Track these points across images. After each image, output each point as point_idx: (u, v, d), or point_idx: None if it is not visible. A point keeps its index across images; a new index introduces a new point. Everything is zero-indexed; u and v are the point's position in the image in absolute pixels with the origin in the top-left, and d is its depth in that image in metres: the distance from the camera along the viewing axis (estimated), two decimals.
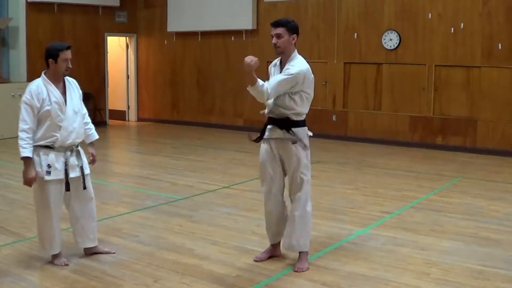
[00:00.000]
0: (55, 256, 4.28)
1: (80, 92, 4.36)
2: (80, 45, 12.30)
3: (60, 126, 4.09)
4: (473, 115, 9.41)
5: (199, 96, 12.68)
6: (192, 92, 12.78)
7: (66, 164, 4.16)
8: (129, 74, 13.73)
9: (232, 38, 11.96)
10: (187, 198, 6.35)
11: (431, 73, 9.71)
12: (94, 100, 12.57)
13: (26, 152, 4.00)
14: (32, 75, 11.39)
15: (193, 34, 12.53)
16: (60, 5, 11.92)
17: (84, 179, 4.27)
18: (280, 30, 4.06)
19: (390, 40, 10.03)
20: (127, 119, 13.86)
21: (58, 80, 4.16)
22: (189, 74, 12.79)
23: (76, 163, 4.23)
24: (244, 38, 11.75)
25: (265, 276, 4.07)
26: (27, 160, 4.03)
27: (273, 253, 4.43)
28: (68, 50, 4.11)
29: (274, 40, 4.08)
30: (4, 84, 10.85)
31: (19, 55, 11.35)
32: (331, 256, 4.48)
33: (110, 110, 13.43)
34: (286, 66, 4.09)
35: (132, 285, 3.91)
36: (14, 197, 6.34)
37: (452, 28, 9.42)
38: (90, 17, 12.55)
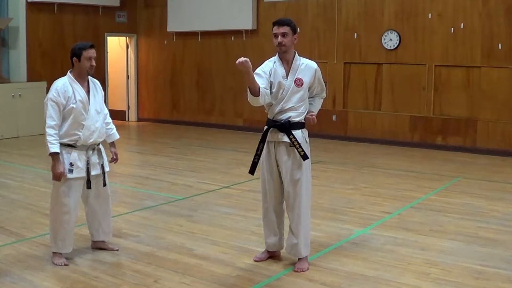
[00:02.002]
0: (56, 255, 4.28)
1: (103, 92, 4.46)
2: None
3: (83, 125, 4.17)
4: (473, 115, 9.41)
5: (199, 96, 12.68)
6: (192, 92, 12.78)
7: (88, 162, 4.24)
8: (129, 74, 13.73)
9: (232, 38, 11.96)
10: (187, 198, 6.35)
11: (431, 73, 9.71)
12: None
13: (55, 147, 4.08)
14: (32, 75, 11.43)
15: (193, 34, 12.53)
16: (60, 5, 11.91)
17: (104, 176, 4.36)
18: (285, 29, 4.08)
19: (390, 40, 10.03)
20: (127, 119, 13.86)
21: (82, 79, 4.24)
22: (189, 74, 12.79)
23: (97, 161, 4.32)
24: (244, 38, 11.75)
25: (265, 276, 4.07)
26: (55, 156, 4.10)
27: (273, 254, 4.43)
28: (91, 49, 4.19)
29: (279, 39, 4.08)
30: (4, 84, 10.85)
31: (19, 55, 11.34)
32: (331, 256, 4.48)
33: (110, 110, 13.11)
34: (305, 73, 4.15)
35: (132, 285, 3.91)
36: (14, 197, 6.35)
37: (452, 28, 9.43)
38: (90, 17, 12.55)
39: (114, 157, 4.54)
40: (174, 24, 12.68)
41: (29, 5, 11.39)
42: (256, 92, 3.91)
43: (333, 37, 10.65)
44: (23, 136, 10.91)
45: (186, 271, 4.16)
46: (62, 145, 4.16)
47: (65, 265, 4.22)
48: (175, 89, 13.06)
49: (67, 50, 13.35)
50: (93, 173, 4.28)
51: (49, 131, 4.08)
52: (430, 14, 9.62)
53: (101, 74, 12.87)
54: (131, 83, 13.72)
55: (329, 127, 10.69)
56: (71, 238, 4.30)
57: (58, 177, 4.13)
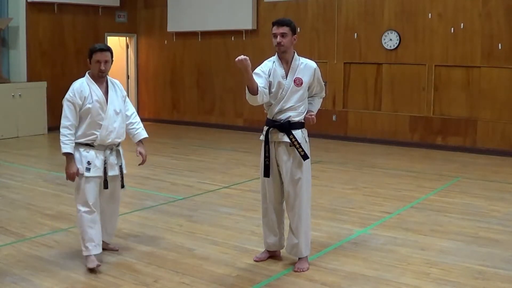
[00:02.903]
0: (89, 258, 4.15)
1: (124, 93, 4.43)
2: (80, 45, 12.28)
3: (101, 125, 4.15)
4: (473, 115, 9.41)
5: (199, 96, 12.68)
6: (192, 92, 12.78)
7: (105, 162, 4.21)
8: (129, 74, 13.73)
9: (232, 38, 11.96)
10: (187, 198, 6.35)
11: (431, 73, 9.71)
12: None
13: (68, 148, 4.09)
14: (32, 75, 11.42)
15: (193, 34, 12.53)
16: (60, 5, 11.91)
17: (122, 178, 4.34)
18: (285, 29, 4.09)
19: (390, 40, 10.03)
20: None
21: (99, 80, 4.22)
22: (189, 74, 12.79)
23: (116, 162, 4.29)
24: (244, 38, 11.75)
25: (265, 276, 4.07)
26: (68, 156, 4.11)
27: (273, 253, 4.43)
28: (101, 52, 4.16)
29: (278, 39, 4.08)
30: (4, 84, 10.85)
31: (19, 55, 11.34)
32: (331, 256, 4.48)
33: None
34: (305, 73, 4.15)
35: (132, 285, 3.91)
36: (14, 197, 6.34)
37: (452, 28, 9.42)
38: (90, 17, 12.55)
39: (138, 155, 4.44)
40: (174, 24, 12.68)
41: (29, 5, 11.38)
42: (254, 90, 3.92)
43: (333, 37, 10.65)
44: (23, 136, 10.91)
45: (186, 271, 4.16)
46: (80, 144, 4.17)
47: (98, 266, 4.12)
48: (175, 89, 13.06)
49: (67, 50, 13.37)
50: (110, 173, 4.24)
51: (63, 131, 4.08)
52: (430, 14, 9.62)
53: None
54: (131, 83, 13.72)
55: (329, 127, 10.69)
56: (100, 238, 4.24)
57: (71, 177, 4.15)
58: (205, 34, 12.37)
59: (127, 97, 4.51)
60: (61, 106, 4.18)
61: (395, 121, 10.15)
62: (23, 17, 11.28)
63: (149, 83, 13.54)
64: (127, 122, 4.43)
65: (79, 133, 4.15)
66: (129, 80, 13.75)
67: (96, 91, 4.17)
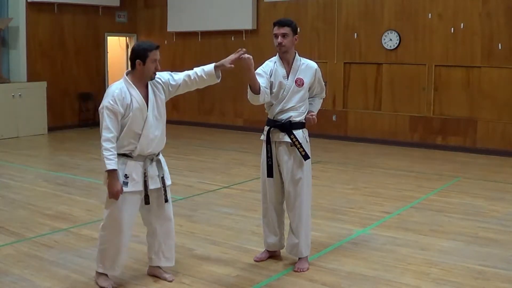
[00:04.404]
0: (102, 276, 3.85)
1: (165, 79, 3.94)
2: (80, 45, 12.30)
3: (140, 134, 3.71)
4: (473, 115, 9.41)
5: (199, 96, 12.67)
6: (192, 92, 12.64)
7: (145, 174, 3.76)
8: None
9: (232, 38, 11.95)
10: (187, 198, 6.35)
11: (431, 73, 9.70)
12: (94, 100, 12.53)
13: (112, 164, 3.56)
14: (32, 75, 11.42)
15: (193, 34, 12.53)
16: (60, 5, 11.90)
17: (165, 191, 3.87)
18: (286, 30, 4.09)
19: (390, 40, 10.03)
20: None
21: (142, 83, 3.77)
22: None
23: (157, 173, 3.85)
24: (244, 38, 11.75)
25: (265, 276, 4.07)
26: (113, 173, 3.59)
27: (273, 253, 4.43)
28: (157, 50, 3.74)
29: (279, 40, 4.09)
30: (4, 84, 10.84)
31: (19, 55, 11.34)
32: (331, 256, 4.48)
33: None
34: (306, 73, 4.16)
35: (132, 285, 3.91)
36: (14, 197, 6.34)
37: (452, 28, 9.42)
38: (90, 17, 12.54)
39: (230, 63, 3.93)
40: (174, 24, 12.68)
41: (29, 5, 11.38)
42: (256, 90, 3.92)
43: (333, 37, 10.65)
44: (23, 136, 10.90)
45: (186, 271, 4.16)
46: (117, 155, 3.66)
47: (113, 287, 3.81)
48: None
49: (67, 50, 13.36)
50: (151, 187, 3.78)
51: (106, 144, 3.57)
52: (430, 14, 9.62)
53: (101, 74, 12.87)
54: None
55: (329, 127, 10.69)
56: (122, 259, 3.85)
57: (115, 195, 3.63)
58: (205, 34, 12.37)
59: (172, 74, 3.99)
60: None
61: (395, 121, 10.15)
62: (23, 17, 11.28)
63: None
64: (193, 79, 4.02)
65: (118, 147, 3.67)
66: None
67: (137, 96, 3.69)
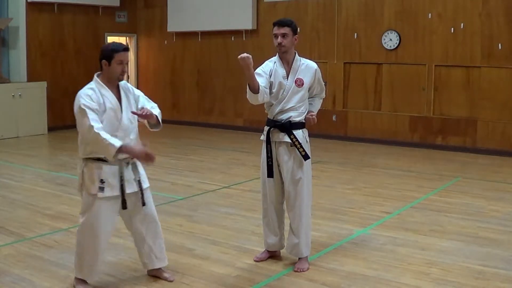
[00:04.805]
0: (80, 282, 3.80)
1: (137, 94, 3.87)
2: (80, 45, 12.30)
3: (115, 136, 3.57)
4: (473, 115, 9.41)
5: (199, 96, 12.68)
6: (192, 92, 12.78)
7: (122, 178, 3.68)
8: (129, 74, 13.72)
9: (232, 38, 11.96)
10: (187, 198, 6.35)
11: (431, 73, 9.70)
12: None
13: (117, 141, 3.47)
14: (32, 75, 11.42)
15: (193, 34, 12.53)
16: (60, 5, 11.90)
17: (142, 194, 3.78)
18: (286, 30, 4.09)
19: (390, 40, 10.03)
20: None
21: (112, 85, 3.70)
22: (189, 74, 12.79)
23: (133, 176, 3.76)
24: (244, 38, 11.75)
25: (265, 276, 4.07)
26: (124, 148, 3.50)
27: (273, 253, 4.43)
28: (125, 52, 3.66)
29: (279, 40, 4.09)
30: (4, 84, 10.84)
31: (19, 55, 11.33)
32: (331, 256, 4.48)
33: None
34: (306, 73, 4.16)
35: (132, 285, 3.91)
36: (14, 197, 6.34)
37: (452, 28, 9.42)
38: (90, 17, 12.55)
39: (142, 112, 3.73)
40: (174, 24, 12.68)
41: (29, 5, 11.38)
42: (255, 89, 3.92)
43: (333, 37, 10.65)
44: (23, 136, 10.91)
45: (186, 271, 4.16)
46: (91, 159, 3.63)
47: None
48: (175, 89, 13.06)
49: (67, 50, 13.36)
50: (128, 191, 3.70)
51: (101, 133, 3.45)
52: (430, 14, 9.62)
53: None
54: (131, 83, 13.72)
55: (329, 127, 10.69)
56: (99, 267, 3.82)
57: (148, 155, 3.55)
58: (205, 34, 12.37)
59: (141, 95, 3.91)
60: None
61: (395, 121, 10.15)
62: (23, 17, 11.28)
63: (149, 83, 13.54)
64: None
65: (92, 151, 3.62)
66: (129, 80, 13.73)
67: (109, 97, 3.64)
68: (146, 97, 3.95)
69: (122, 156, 3.61)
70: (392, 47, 10.02)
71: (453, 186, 7.01)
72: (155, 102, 3.99)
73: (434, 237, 4.96)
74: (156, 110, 3.86)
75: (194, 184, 7.08)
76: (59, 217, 5.54)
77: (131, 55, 13.67)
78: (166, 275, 4.00)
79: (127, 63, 3.73)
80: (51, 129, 11.47)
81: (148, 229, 3.89)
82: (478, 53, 9.24)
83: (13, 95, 10.77)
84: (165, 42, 13.09)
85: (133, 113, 3.74)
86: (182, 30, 12.62)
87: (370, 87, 10.42)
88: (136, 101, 3.84)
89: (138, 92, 3.91)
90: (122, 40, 13.68)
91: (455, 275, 4.08)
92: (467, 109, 9.47)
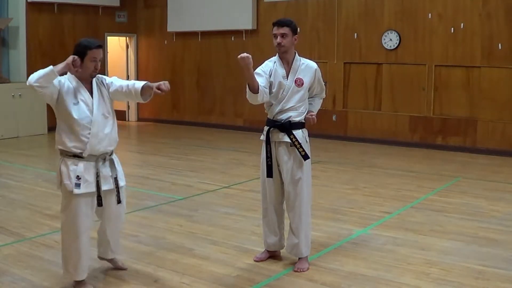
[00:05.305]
0: (79, 283, 3.80)
1: (109, 80, 3.84)
2: None
3: (89, 132, 3.61)
4: (473, 115, 9.41)
5: (199, 96, 12.68)
6: (192, 92, 12.78)
7: (98, 175, 3.67)
8: (129, 74, 13.72)
9: (232, 38, 11.96)
10: (187, 198, 6.35)
11: (431, 73, 9.71)
12: None
13: (48, 68, 3.54)
14: None
15: (193, 34, 12.53)
16: (60, 5, 11.91)
17: (118, 192, 3.79)
18: (285, 30, 4.09)
19: (390, 40, 10.03)
20: (127, 119, 13.85)
21: (86, 81, 3.72)
22: (189, 74, 12.79)
23: (110, 174, 3.74)
24: (244, 38, 11.75)
25: (265, 276, 4.07)
26: (55, 67, 3.56)
27: (273, 253, 4.43)
28: (97, 49, 3.66)
29: (279, 40, 4.09)
30: (4, 84, 10.85)
31: (19, 55, 11.34)
32: (331, 256, 4.48)
33: None
34: (306, 73, 4.16)
35: (132, 285, 3.91)
36: (14, 197, 6.35)
37: (452, 28, 9.43)
38: (90, 17, 12.55)
39: (157, 88, 3.60)
40: (174, 24, 12.68)
41: (29, 5, 11.39)
42: (255, 89, 3.92)
43: (333, 37, 10.65)
44: (23, 136, 10.91)
45: (186, 271, 4.16)
46: (67, 155, 3.63)
47: None
48: (175, 89, 13.03)
49: (67, 50, 13.41)
50: (104, 187, 3.69)
51: (35, 73, 3.53)
52: (430, 14, 9.62)
53: (101, 74, 12.86)
54: None
55: (329, 127, 10.69)
56: (85, 264, 3.78)
57: (72, 60, 3.60)
58: (205, 34, 12.37)
59: (115, 79, 3.88)
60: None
61: (395, 121, 10.15)
62: (23, 17, 11.28)
63: None
64: (124, 91, 3.80)
65: (65, 143, 3.62)
66: (129, 80, 13.73)
67: (82, 90, 3.66)
68: (120, 78, 3.93)
69: (99, 151, 3.66)
70: (392, 47, 10.02)
71: (453, 186, 7.01)
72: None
73: (434, 237, 4.96)
74: (141, 83, 3.79)
75: (194, 184, 7.08)
76: (59, 217, 5.53)
77: (131, 55, 13.68)
78: (119, 264, 4.17)
79: (100, 60, 3.72)
80: (51, 129, 11.41)
81: (112, 226, 3.95)
82: (478, 53, 9.24)
83: (13, 95, 10.77)
84: (165, 42, 13.09)
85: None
86: (182, 30, 12.62)
87: (370, 87, 10.42)
88: (109, 88, 3.82)
89: (110, 79, 3.88)
90: (122, 40, 13.70)
91: (455, 275, 4.08)
92: (467, 109, 9.48)
